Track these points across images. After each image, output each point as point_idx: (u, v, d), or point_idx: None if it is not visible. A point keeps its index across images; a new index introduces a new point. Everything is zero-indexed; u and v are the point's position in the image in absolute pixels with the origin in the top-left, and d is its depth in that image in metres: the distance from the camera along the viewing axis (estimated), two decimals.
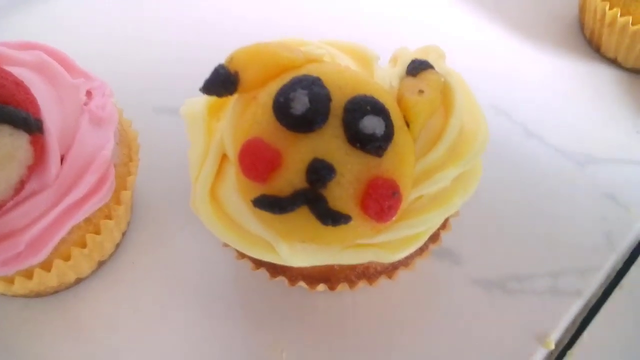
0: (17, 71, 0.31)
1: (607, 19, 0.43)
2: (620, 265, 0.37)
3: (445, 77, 0.30)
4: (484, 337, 0.35)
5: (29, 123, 0.29)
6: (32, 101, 0.30)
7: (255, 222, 0.27)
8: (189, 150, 0.30)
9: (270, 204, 0.25)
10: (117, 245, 0.39)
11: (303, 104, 0.25)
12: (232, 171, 0.28)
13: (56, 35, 0.46)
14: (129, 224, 0.40)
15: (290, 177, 0.25)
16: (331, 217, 0.25)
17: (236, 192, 0.28)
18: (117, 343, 0.36)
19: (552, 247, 0.38)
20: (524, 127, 0.43)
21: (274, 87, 0.26)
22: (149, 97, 0.45)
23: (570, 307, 0.35)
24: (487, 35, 0.49)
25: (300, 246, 0.27)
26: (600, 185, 0.40)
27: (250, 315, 0.36)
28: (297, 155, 0.25)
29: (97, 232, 0.34)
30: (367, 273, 0.31)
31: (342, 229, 0.26)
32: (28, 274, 0.33)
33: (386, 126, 0.26)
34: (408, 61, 0.30)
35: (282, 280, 0.32)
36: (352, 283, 0.31)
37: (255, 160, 0.26)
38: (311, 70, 0.27)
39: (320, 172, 0.25)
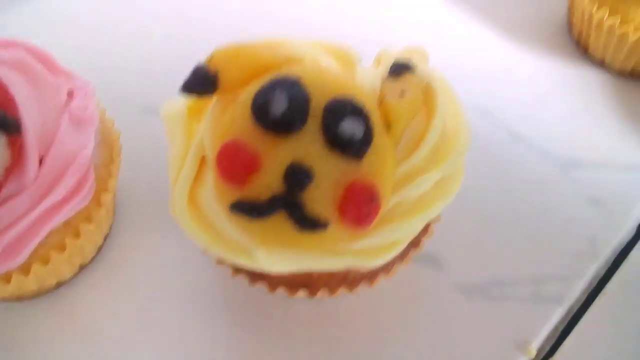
0: None
1: (595, 20, 0.43)
2: (603, 272, 0.37)
3: (427, 79, 0.30)
4: (465, 345, 0.34)
5: (6, 123, 0.29)
6: (10, 100, 0.30)
7: (232, 227, 0.27)
8: (169, 154, 0.29)
9: (247, 209, 0.25)
10: (99, 249, 0.38)
11: (282, 105, 0.25)
12: (212, 174, 0.28)
13: (41, 34, 0.45)
14: (111, 226, 0.39)
15: (268, 182, 0.25)
16: (309, 223, 0.25)
17: (214, 197, 0.27)
18: (97, 347, 0.35)
19: (534, 253, 0.37)
20: (509, 129, 0.43)
21: (254, 87, 0.26)
22: (133, 97, 0.44)
23: (552, 314, 0.35)
24: (474, 34, 0.49)
25: (278, 252, 0.27)
26: (584, 190, 0.40)
27: (231, 322, 0.36)
28: (275, 158, 0.25)
29: (77, 236, 0.34)
30: (347, 279, 0.31)
31: (320, 235, 0.26)
32: (6, 278, 0.32)
33: (366, 129, 0.26)
34: (390, 62, 0.30)
35: (262, 286, 0.32)
36: (332, 289, 0.31)
37: (233, 163, 0.25)
38: (292, 71, 0.27)
39: (297, 177, 0.25)
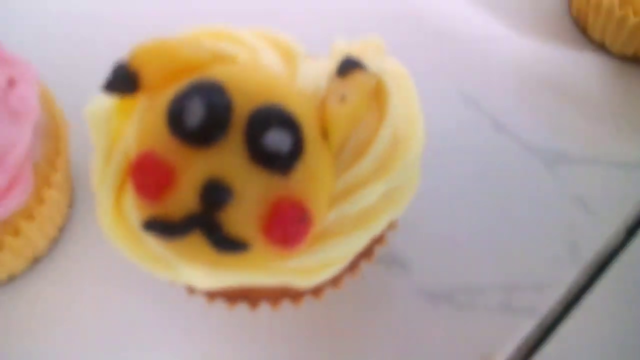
0: None
1: (592, 0, 0.39)
2: (583, 281, 0.34)
3: (379, 78, 0.26)
4: (428, 354, 0.32)
5: None
6: None
7: (155, 242, 0.25)
8: (93, 156, 0.27)
9: (159, 228, 0.23)
10: (54, 240, 0.37)
11: (198, 114, 0.23)
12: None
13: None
14: (67, 217, 0.38)
15: (183, 198, 0.23)
16: (227, 244, 0.23)
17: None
18: (50, 343, 0.34)
19: (509, 257, 0.35)
20: (494, 119, 0.39)
21: (171, 92, 0.24)
22: (95, 77, 0.42)
23: (522, 326, 0.33)
24: (460, 13, 0.44)
25: (203, 269, 0.25)
26: (569, 188, 0.37)
27: (190, 317, 0.34)
28: (191, 172, 0.23)
29: (16, 234, 0.32)
30: (289, 292, 0.29)
31: (242, 256, 0.23)
32: None
33: (294, 142, 0.23)
34: (340, 58, 0.27)
35: (200, 296, 0.30)
36: (274, 301, 0.29)
37: (147, 176, 0.23)
38: (216, 73, 0.24)
39: (215, 194, 0.23)
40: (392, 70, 0.28)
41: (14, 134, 0.31)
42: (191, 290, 0.29)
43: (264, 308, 0.30)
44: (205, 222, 0.23)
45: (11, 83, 0.32)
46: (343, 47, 0.28)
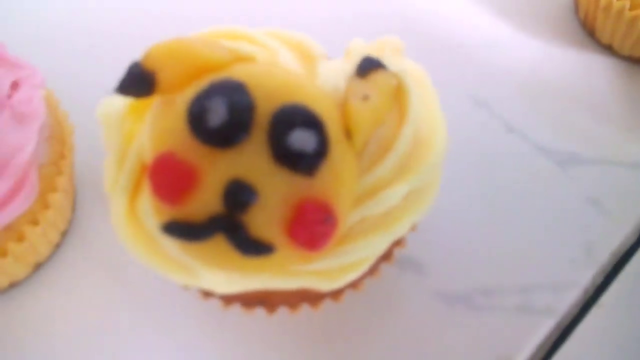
0: None
1: (602, 2, 0.38)
2: (599, 281, 0.34)
3: (399, 78, 0.26)
4: (444, 356, 0.32)
5: None
6: None
7: (173, 246, 0.24)
8: (105, 158, 0.26)
9: (181, 231, 0.22)
10: (57, 246, 0.36)
11: (220, 115, 0.22)
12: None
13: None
14: (70, 222, 0.37)
15: (205, 200, 0.22)
16: (251, 247, 0.22)
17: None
18: (52, 351, 0.33)
19: (525, 259, 0.34)
20: (505, 120, 0.39)
21: (192, 91, 0.23)
22: (99, 85, 0.41)
23: (540, 326, 0.32)
24: (468, 16, 0.44)
25: (224, 274, 0.24)
26: (583, 189, 0.36)
27: (196, 324, 0.33)
28: (214, 174, 0.22)
29: (21, 240, 0.31)
30: (308, 296, 0.28)
31: (266, 259, 0.23)
32: None
33: (319, 141, 0.22)
34: (359, 58, 0.26)
35: (216, 301, 0.29)
36: (292, 306, 0.28)
37: (167, 178, 0.22)
38: (236, 72, 0.23)
39: (239, 196, 0.22)
40: (411, 70, 0.28)
41: (20, 137, 0.30)
42: (206, 294, 0.29)
43: (281, 311, 0.30)
44: (229, 224, 0.22)
45: (15, 86, 0.32)
46: (360, 47, 0.28)
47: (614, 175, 0.37)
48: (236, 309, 0.29)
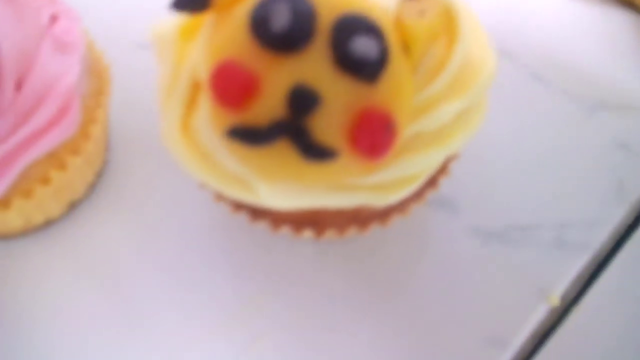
0: None
1: None
2: (632, 219, 0.35)
3: (449, 1, 0.26)
4: (482, 292, 0.32)
5: None
6: None
7: (231, 158, 0.24)
8: (157, 78, 0.26)
9: (244, 134, 0.22)
10: (92, 186, 0.36)
11: (284, 19, 0.22)
12: (207, 100, 0.25)
13: None
14: (104, 163, 0.37)
15: (268, 105, 0.22)
16: (315, 152, 0.22)
17: (210, 124, 0.25)
18: (88, 288, 0.33)
19: (557, 197, 0.35)
20: (530, 69, 0.39)
21: (248, 3, 0.23)
22: (126, 32, 0.41)
23: (577, 260, 0.33)
24: None
25: (282, 186, 0.24)
26: (611, 133, 0.37)
27: (230, 263, 0.33)
28: (277, 79, 0.22)
29: (63, 168, 0.31)
30: (358, 218, 0.28)
31: (328, 167, 0.23)
32: None
33: (381, 49, 0.22)
34: None
35: (264, 224, 0.29)
36: (341, 228, 0.29)
37: (229, 84, 0.22)
38: None
39: (303, 100, 0.22)
40: None
41: (63, 65, 0.30)
42: (255, 216, 0.29)
43: (305, 245, 0.30)
44: (293, 129, 0.22)
45: (54, 19, 0.31)
46: None
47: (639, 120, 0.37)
48: (281, 234, 0.29)
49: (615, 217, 0.34)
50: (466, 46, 0.26)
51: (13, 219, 0.31)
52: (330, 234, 0.29)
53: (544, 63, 0.40)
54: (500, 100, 0.38)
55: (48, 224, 0.35)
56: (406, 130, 0.25)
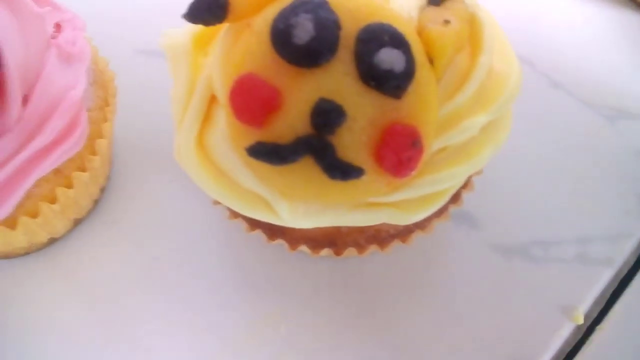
0: None
1: None
2: None
3: (473, 9, 0.25)
4: (505, 309, 0.31)
5: None
6: None
7: (250, 176, 0.23)
8: (172, 90, 0.25)
9: (267, 152, 0.21)
10: (95, 202, 0.35)
11: (307, 31, 0.21)
12: (223, 115, 0.24)
13: None
14: (108, 178, 0.35)
15: (291, 121, 0.21)
16: (340, 170, 0.21)
17: (227, 140, 0.23)
18: (92, 307, 0.32)
19: (580, 211, 0.34)
20: (549, 77, 0.39)
21: (272, 11, 0.22)
22: (128, 38, 0.40)
23: (600, 276, 0.32)
24: None
25: (303, 205, 0.23)
26: (632, 142, 0.36)
27: (245, 284, 0.32)
28: (300, 94, 0.21)
29: (69, 186, 0.30)
30: (379, 237, 0.27)
31: (352, 185, 0.22)
32: None
33: (407, 61, 0.21)
34: None
35: (281, 244, 0.28)
36: (361, 248, 0.28)
37: (250, 99, 0.21)
38: None
39: (327, 115, 0.21)
40: (480, 5, 0.27)
41: (69, 77, 0.29)
42: (273, 236, 0.28)
43: (322, 260, 0.29)
44: (317, 145, 0.21)
45: (58, 28, 0.30)
46: None
47: None
48: (300, 252, 0.28)
49: (638, 230, 0.33)
50: (490, 56, 0.25)
51: (18, 238, 0.30)
52: (349, 253, 0.28)
53: (564, 71, 0.39)
54: (521, 110, 0.37)
55: (52, 242, 0.33)
56: (432, 145, 0.24)
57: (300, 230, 0.25)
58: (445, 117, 0.24)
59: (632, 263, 0.33)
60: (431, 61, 0.23)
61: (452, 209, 0.28)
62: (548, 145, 0.36)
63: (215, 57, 0.24)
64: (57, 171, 0.29)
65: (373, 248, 0.28)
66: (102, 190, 0.35)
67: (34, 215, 0.29)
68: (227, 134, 0.23)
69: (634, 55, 0.40)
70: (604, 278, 0.32)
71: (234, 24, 0.24)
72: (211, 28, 0.25)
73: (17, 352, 0.31)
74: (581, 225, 0.33)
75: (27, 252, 0.33)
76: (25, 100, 0.27)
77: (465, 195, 0.29)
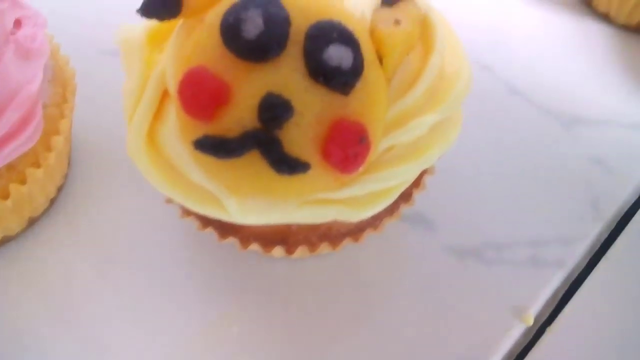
0: None
1: None
2: (606, 235, 0.34)
3: (425, 10, 0.26)
4: (457, 311, 0.31)
5: None
6: None
7: (199, 171, 0.23)
8: (124, 85, 0.25)
9: (214, 146, 0.21)
10: (52, 201, 0.34)
11: (256, 26, 0.21)
12: (175, 108, 0.24)
13: None
14: (65, 177, 0.35)
15: (239, 115, 0.21)
16: (287, 164, 0.22)
17: (177, 135, 0.24)
18: (46, 308, 0.31)
19: (534, 215, 0.34)
20: (508, 83, 0.40)
21: (224, 5, 0.22)
22: (94, 38, 0.40)
23: (552, 279, 0.32)
24: None
25: (251, 201, 0.23)
26: (586, 148, 0.37)
27: (199, 284, 0.32)
28: (248, 88, 0.21)
29: (23, 182, 0.30)
30: (330, 234, 0.27)
31: (299, 180, 0.22)
32: None
33: (355, 58, 0.22)
34: None
35: (232, 242, 0.28)
36: (312, 246, 0.28)
37: (198, 92, 0.22)
38: None
39: (275, 110, 0.21)
40: (432, 7, 0.28)
41: (25, 72, 0.28)
42: (224, 234, 0.28)
43: (277, 261, 0.29)
44: (264, 140, 0.21)
45: (18, 24, 0.30)
46: None
47: (615, 136, 0.37)
48: (249, 251, 0.28)
49: (591, 234, 0.34)
50: (441, 57, 0.25)
51: None
52: (301, 252, 0.28)
53: (522, 77, 0.40)
54: (478, 114, 0.38)
55: (5, 240, 0.33)
56: (380, 142, 0.24)
57: (250, 227, 0.26)
58: (395, 116, 0.24)
59: (583, 266, 0.33)
60: (381, 60, 0.23)
61: (404, 208, 0.29)
62: (505, 150, 0.37)
63: (168, 51, 0.24)
64: (10, 167, 0.29)
65: (325, 246, 0.28)
66: (59, 189, 0.35)
67: None
68: (177, 129, 0.23)
69: (590, 64, 0.41)
70: (555, 280, 0.32)
71: (189, 19, 0.24)
72: (167, 25, 0.25)
73: None
74: (535, 228, 0.34)
75: None
76: None
77: (418, 196, 0.30)
